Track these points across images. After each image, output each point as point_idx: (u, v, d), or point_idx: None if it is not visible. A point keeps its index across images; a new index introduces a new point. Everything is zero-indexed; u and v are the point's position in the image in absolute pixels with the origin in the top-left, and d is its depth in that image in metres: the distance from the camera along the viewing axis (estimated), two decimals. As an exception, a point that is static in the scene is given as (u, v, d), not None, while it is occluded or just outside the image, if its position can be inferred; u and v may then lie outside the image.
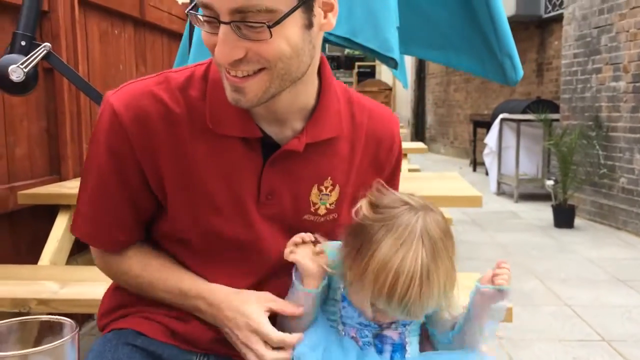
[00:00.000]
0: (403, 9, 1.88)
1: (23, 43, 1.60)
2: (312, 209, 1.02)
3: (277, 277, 1.03)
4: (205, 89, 0.95)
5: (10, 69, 1.57)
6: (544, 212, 5.63)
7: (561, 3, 6.63)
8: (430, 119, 12.84)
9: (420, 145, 5.37)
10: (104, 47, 3.08)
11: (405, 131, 11.80)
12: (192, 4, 0.86)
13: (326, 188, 1.02)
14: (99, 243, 1.04)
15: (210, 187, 0.96)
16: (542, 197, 6.24)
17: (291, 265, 0.99)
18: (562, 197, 5.17)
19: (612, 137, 5.10)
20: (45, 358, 0.56)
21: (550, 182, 5.39)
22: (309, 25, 0.86)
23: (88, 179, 1.00)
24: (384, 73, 15.28)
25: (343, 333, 0.97)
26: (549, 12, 7.25)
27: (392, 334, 0.97)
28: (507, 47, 2.01)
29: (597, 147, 5.22)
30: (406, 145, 4.81)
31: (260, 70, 0.85)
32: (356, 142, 1.04)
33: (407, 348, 0.98)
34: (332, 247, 0.98)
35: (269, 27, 0.80)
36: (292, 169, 0.99)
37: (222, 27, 0.81)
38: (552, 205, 5.25)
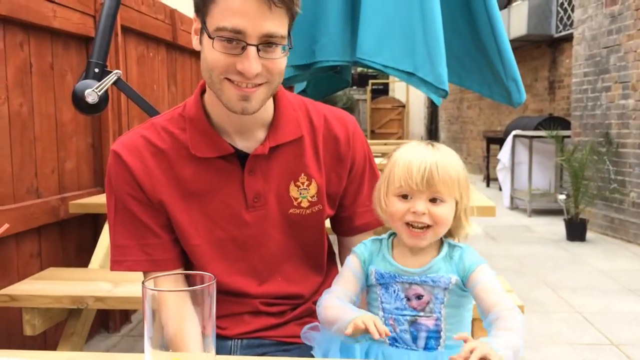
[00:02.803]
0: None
1: (96, 70, 1.84)
2: (295, 203, 1.20)
3: (278, 269, 1.22)
4: (185, 125, 1.17)
5: (86, 92, 1.81)
6: (557, 226, 5.77)
7: (571, 23, 6.82)
8: (443, 135, 13.00)
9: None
10: (141, 68, 3.31)
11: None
12: (204, 26, 1.06)
13: (302, 183, 1.21)
14: (138, 266, 1.19)
15: (204, 202, 1.17)
16: (554, 212, 6.38)
17: (290, 258, 1.20)
18: (574, 211, 5.31)
19: (622, 153, 5.25)
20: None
21: (562, 197, 5.54)
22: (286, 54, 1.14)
23: (111, 214, 1.18)
24: (398, 91, 15.50)
25: (383, 320, 1.06)
26: (560, 31, 7.43)
27: (427, 321, 1.04)
28: (512, 72, 2.22)
29: (608, 162, 5.37)
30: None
31: (263, 84, 1.08)
32: (317, 142, 1.23)
33: (442, 335, 1.04)
34: (364, 242, 1.15)
35: (289, 48, 1.08)
36: (267, 172, 1.18)
37: (251, 49, 1.03)
38: (565, 219, 5.39)
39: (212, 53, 1.06)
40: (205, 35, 1.06)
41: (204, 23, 1.07)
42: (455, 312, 1.06)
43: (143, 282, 0.72)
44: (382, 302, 1.08)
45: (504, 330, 0.97)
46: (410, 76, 2.06)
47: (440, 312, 1.04)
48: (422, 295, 1.05)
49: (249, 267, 1.21)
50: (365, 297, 1.13)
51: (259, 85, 1.07)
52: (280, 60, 1.08)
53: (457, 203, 1.07)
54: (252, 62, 1.03)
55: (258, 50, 1.04)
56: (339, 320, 1.02)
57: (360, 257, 1.12)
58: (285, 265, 1.23)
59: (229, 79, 1.07)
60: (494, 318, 1.00)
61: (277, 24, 1.04)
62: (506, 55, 2.18)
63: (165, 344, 0.73)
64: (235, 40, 1.03)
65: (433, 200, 1.04)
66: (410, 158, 1.05)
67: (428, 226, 1.04)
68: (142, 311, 0.73)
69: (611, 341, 2.91)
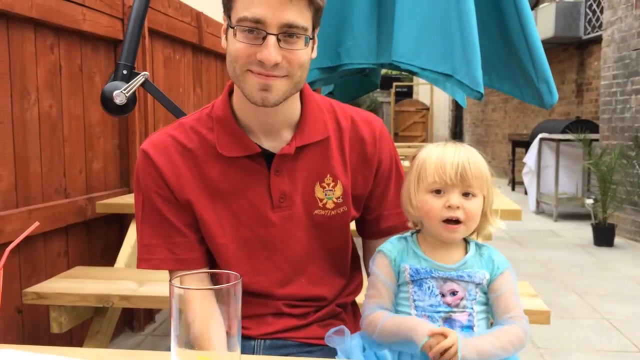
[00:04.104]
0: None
1: (125, 72, 1.87)
2: (320, 205, 1.20)
3: (303, 271, 1.22)
4: (212, 125, 1.18)
5: (114, 93, 1.84)
6: (584, 231, 5.68)
7: (600, 25, 6.71)
8: (468, 138, 12.90)
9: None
10: (167, 71, 3.35)
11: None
12: (229, 19, 1.09)
13: (328, 184, 1.21)
14: (165, 264, 1.20)
15: (230, 201, 1.18)
16: (581, 216, 6.28)
17: (315, 259, 1.20)
18: (601, 216, 5.22)
19: (652, 157, 5.14)
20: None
21: (590, 201, 5.44)
22: (312, 50, 1.14)
23: (139, 213, 1.20)
24: (422, 93, 15.42)
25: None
26: (589, 33, 7.32)
27: (460, 317, 1.05)
28: (543, 72, 2.18)
29: (637, 166, 5.26)
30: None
31: (284, 76, 1.08)
32: (344, 143, 1.23)
33: (475, 330, 1.06)
34: (390, 240, 1.15)
35: (310, 38, 1.08)
36: (293, 172, 1.18)
37: (271, 38, 1.04)
38: (592, 224, 5.30)
39: (235, 44, 1.07)
40: (229, 29, 1.08)
41: (229, 18, 1.09)
42: (483, 309, 1.09)
43: (170, 280, 0.72)
44: (414, 300, 1.08)
45: (490, 334, 1.04)
46: (447, 78, 2.05)
47: (472, 308, 1.07)
48: (457, 292, 1.06)
49: (273, 267, 1.21)
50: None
51: (280, 77, 1.08)
52: (301, 52, 1.08)
53: (484, 199, 1.09)
54: (271, 50, 1.04)
55: (279, 40, 1.04)
56: (412, 331, 1.02)
57: (389, 255, 1.11)
58: (310, 266, 1.23)
59: (250, 70, 1.08)
60: (500, 322, 1.07)
61: (298, 15, 1.05)
62: (537, 56, 2.15)
63: (190, 343, 0.73)
64: (256, 30, 1.04)
65: (465, 195, 1.06)
66: (442, 154, 1.07)
67: (459, 221, 1.06)
68: (167, 310, 0.73)
69: (639, 348, 2.85)
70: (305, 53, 1.09)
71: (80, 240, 2.62)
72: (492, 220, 1.11)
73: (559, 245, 5.25)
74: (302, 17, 1.05)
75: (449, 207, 1.05)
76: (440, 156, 1.07)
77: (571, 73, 7.99)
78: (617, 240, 5.27)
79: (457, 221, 1.06)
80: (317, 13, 1.10)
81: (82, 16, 2.50)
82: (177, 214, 1.17)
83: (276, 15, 1.03)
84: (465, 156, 1.06)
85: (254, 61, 1.06)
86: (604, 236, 5.19)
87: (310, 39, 1.09)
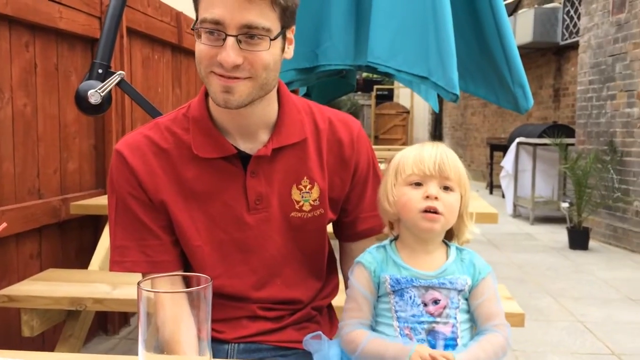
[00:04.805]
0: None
1: (100, 71, 1.84)
2: (297, 207, 1.18)
3: (278, 273, 1.21)
4: (188, 125, 1.16)
5: (89, 93, 1.81)
6: (559, 235, 5.75)
7: (577, 31, 6.81)
8: (447, 142, 12.99)
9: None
10: (146, 71, 3.32)
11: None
12: (195, 21, 1.08)
13: (305, 187, 1.20)
14: (138, 267, 1.18)
15: (205, 203, 1.16)
16: (557, 220, 6.36)
17: (290, 262, 1.19)
18: (577, 219, 5.29)
19: (626, 162, 5.23)
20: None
21: (565, 205, 5.51)
22: (282, 49, 1.11)
23: (112, 214, 1.18)
24: (402, 96, 15.50)
25: (398, 330, 1.04)
26: (566, 39, 7.42)
27: (444, 329, 1.03)
28: (519, 77, 2.20)
29: (612, 171, 5.35)
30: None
31: (247, 78, 1.05)
32: (321, 145, 1.22)
33: (459, 342, 1.03)
34: (369, 251, 1.13)
35: (271, 39, 1.04)
36: (270, 174, 1.16)
37: (230, 39, 1.02)
38: (567, 228, 5.37)
39: (198, 45, 1.07)
40: (194, 30, 1.07)
41: (196, 19, 1.08)
42: (466, 317, 1.07)
43: (138, 283, 0.71)
44: (396, 311, 1.05)
45: (477, 346, 1.03)
46: (423, 80, 2.05)
47: (455, 318, 1.04)
48: (439, 300, 1.04)
49: (248, 270, 1.20)
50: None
51: (243, 79, 1.06)
52: (264, 54, 1.05)
53: (461, 198, 1.08)
54: (229, 52, 1.02)
55: (240, 41, 1.03)
56: (397, 357, 1.01)
57: (368, 267, 1.08)
58: (285, 269, 1.22)
59: (213, 72, 1.06)
60: (483, 330, 1.06)
61: (259, 15, 1.02)
62: (513, 61, 2.17)
63: (160, 347, 0.72)
64: (216, 31, 1.03)
65: (444, 189, 1.06)
66: (420, 150, 1.08)
67: (438, 212, 1.05)
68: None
69: (612, 351, 2.89)
70: (268, 54, 1.06)
71: (54, 242, 2.57)
72: (468, 223, 1.11)
73: (535, 248, 5.31)
74: (263, 18, 1.03)
75: (427, 197, 1.04)
76: (418, 152, 1.08)
77: (549, 78, 8.10)
78: (592, 243, 5.35)
79: (435, 212, 1.04)
80: (284, 13, 1.07)
81: (58, 14, 2.47)
82: (151, 216, 1.16)
83: (235, 16, 1.01)
84: (443, 151, 1.07)
85: (216, 63, 1.05)
86: (579, 239, 5.26)
87: (272, 39, 1.05)
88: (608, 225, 5.50)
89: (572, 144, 6.16)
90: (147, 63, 3.34)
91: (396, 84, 14.90)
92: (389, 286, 1.05)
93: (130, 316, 3.19)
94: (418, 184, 1.05)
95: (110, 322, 2.98)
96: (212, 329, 1.17)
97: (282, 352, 1.21)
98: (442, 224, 1.05)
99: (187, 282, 0.79)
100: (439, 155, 1.06)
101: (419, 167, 1.05)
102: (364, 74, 15.95)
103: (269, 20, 1.04)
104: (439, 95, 2.33)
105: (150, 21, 3.26)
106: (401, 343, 1.02)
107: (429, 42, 2.00)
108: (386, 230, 1.16)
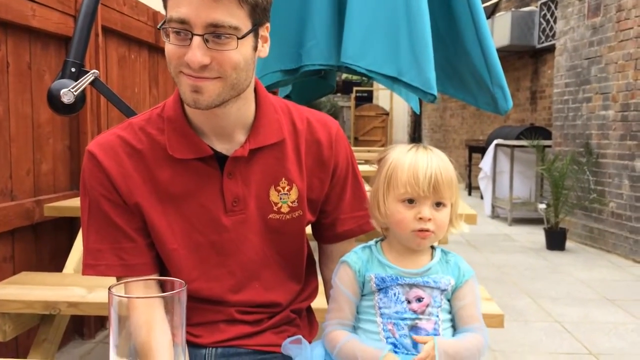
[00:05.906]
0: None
1: (73, 69, 1.80)
2: (275, 209, 1.17)
3: (256, 276, 1.19)
4: (163, 125, 1.14)
5: (62, 92, 1.76)
6: (537, 235, 5.81)
7: (554, 34, 6.89)
8: (426, 143, 13.00)
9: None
10: (122, 70, 3.27)
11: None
12: (163, 21, 1.05)
13: (283, 188, 1.18)
14: (112, 271, 1.15)
15: (181, 205, 1.14)
16: (535, 221, 6.42)
17: (269, 265, 1.17)
18: (554, 220, 5.35)
19: (601, 164, 5.30)
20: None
21: (542, 206, 5.57)
22: (255, 48, 1.08)
23: (85, 217, 1.15)
24: (381, 98, 15.56)
25: (381, 326, 1.06)
26: (542, 42, 7.51)
27: (426, 325, 1.05)
28: (498, 78, 2.21)
29: (588, 172, 5.42)
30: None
31: (216, 78, 1.03)
32: (300, 146, 1.20)
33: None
34: (354, 250, 1.14)
35: (238, 38, 1.01)
36: (247, 176, 1.15)
37: (196, 39, 0.99)
38: (545, 229, 5.42)
39: (168, 46, 1.04)
40: (162, 30, 1.05)
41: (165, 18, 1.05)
42: (448, 317, 1.09)
43: (110, 288, 0.69)
44: (380, 308, 1.07)
45: (457, 337, 1.06)
46: (393, 81, 2.04)
47: (438, 316, 1.06)
48: (423, 298, 1.06)
49: (226, 273, 1.17)
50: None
51: (212, 79, 1.03)
52: (232, 53, 1.02)
53: (452, 206, 1.09)
54: (195, 52, 0.99)
55: (206, 41, 1.00)
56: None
57: (353, 266, 1.10)
58: (264, 271, 1.19)
59: (182, 72, 1.04)
60: (463, 332, 1.08)
61: (226, 14, 0.99)
62: (492, 63, 2.17)
63: (133, 353, 0.70)
64: (183, 31, 1.00)
65: (436, 205, 1.06)
66: (414, 163, 1.06)
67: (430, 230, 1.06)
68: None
69: (590, 351, 2.92)
70: (237, 53, 1.03)
71: (27, 245, 2.51)
72: (457, 224, 1.12)
73: (513, 249, 5.35)
74: (230, 16, 1.00)
75: (421, 219, 1.04)
76: (412, 165, 1.06)
77: (526, 81, 8.19)
78: (569, 244, 5.41)
79: (427, 230, 1.06)
80: (254, 10, 1.03)
81: (31, 12, 2.41)
82: (125, 218, 1.13)
83: (201, 14, 0.98)
84: (437, 166, 1.06)
85: (184, 63, 1.02)
86: (556, 240, 5.31)
87: (240, 38, 1.01)
88: (584, 226, 5.56)
89: (549, 146, 6.23)
90: (123, 63, 3.29)
91: (375, 85, 14.97)
92: (374, 285, 1.07)
93: (107, 320, 3.13)
94: (411, 201, 1.06)
95: (86, 326, 2.93)
96: (189, 333, 1.16)
97: (261, 357, 1.19)
98: (432, 240, 1.08)
99: (162, 286, 0.77)
100: (434, 175, 1.04)
101: (413, 187, 1.04)
102: (344, 76, 15.98)
103: (237, 18, 1.01)
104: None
105: (126, 20, 3.21)
106: (372, 348, 1.03)
107: (400, 42, 1.98)
108: (378, 229, 1.16)
